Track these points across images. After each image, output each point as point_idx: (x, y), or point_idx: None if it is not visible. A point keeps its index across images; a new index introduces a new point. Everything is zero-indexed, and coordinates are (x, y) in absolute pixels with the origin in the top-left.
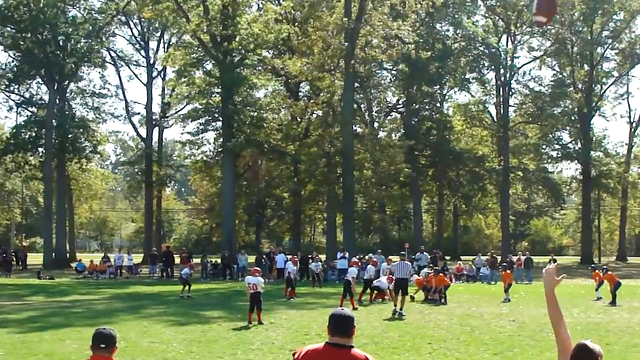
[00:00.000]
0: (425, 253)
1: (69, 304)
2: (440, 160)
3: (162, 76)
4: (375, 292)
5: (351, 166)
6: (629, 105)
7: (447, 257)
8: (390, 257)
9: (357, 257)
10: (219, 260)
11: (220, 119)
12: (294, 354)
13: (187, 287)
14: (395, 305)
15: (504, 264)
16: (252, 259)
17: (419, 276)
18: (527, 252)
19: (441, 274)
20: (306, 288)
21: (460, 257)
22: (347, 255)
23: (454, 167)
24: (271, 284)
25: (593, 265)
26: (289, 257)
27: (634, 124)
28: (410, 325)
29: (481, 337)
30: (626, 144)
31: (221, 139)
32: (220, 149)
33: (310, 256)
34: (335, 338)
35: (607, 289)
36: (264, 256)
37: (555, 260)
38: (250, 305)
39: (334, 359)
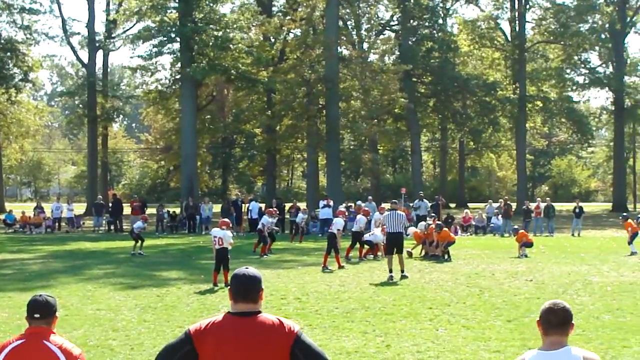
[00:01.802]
0: (425, 200)
1: None
2: (443, 89)
3: None
4: (367, 247)
5: (336, 96)
6: None
7: (452, 205)
8: (383, 205)
9: (344, 205)
10: (177, 210)
11: (178, 39)
12: (187, 332)
13: (139, 243)
14: (390, 270)
15: (515, 227)
16: (218, 208)
17: (416, 229)
18: (548, 199)
19: (445, 229)
20: (282, 243)
21: (468, 204)
22: (331, 203)
23: (459, 97)
24: (241, 238)
25: (625, 214)
26: (264, 206)
27: None
28: (407, 286)
29: (492, 300)
30: None
31: (179, 64)
32: (178, 76)
33: (290, 205)
34: (238, 305)
35: None
36: (231, 204)
37: (581, 208)
38: (216, 264)
39: (241, 331)
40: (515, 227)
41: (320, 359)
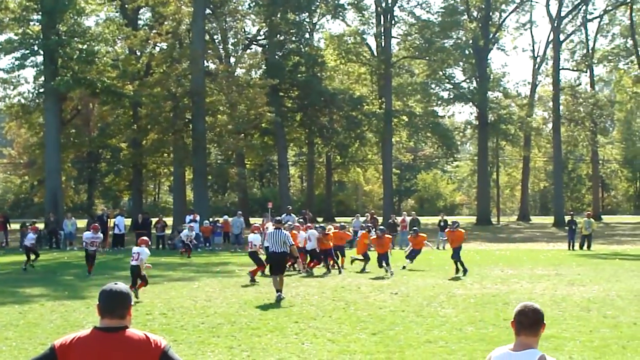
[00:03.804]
0: (292, 215)
1: None
2: (310, 103)
3: None
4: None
5: (202, 110)
6: (532, 36)
7: (319, 219)
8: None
9: (210, 220)
10: (41, 226)
11: (41, 52)
12: (52, 347)
13: (33, 257)
14: (277, 290)
15: (381, 227)
16: (82, 223)
17: None
18: (414, 212)
19: (337, 231)
20: (148, 258)
21: (335, 218)
22: (198, 218)
23: (326, 111)
24: (107, 253)
25: (415, 228)
26: (130, 221)
27: (537, 59)
28: (273, 301)
29: (357, 313)
30: (529, 82)
31: (42, 78)
32: (41, 90)
33: (157, 220)
34: (105, 320)
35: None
36: (96, 219)
37: (446, 222)
38: (132, 280)
39: (106, 346)
40: (382, 227)
41: None
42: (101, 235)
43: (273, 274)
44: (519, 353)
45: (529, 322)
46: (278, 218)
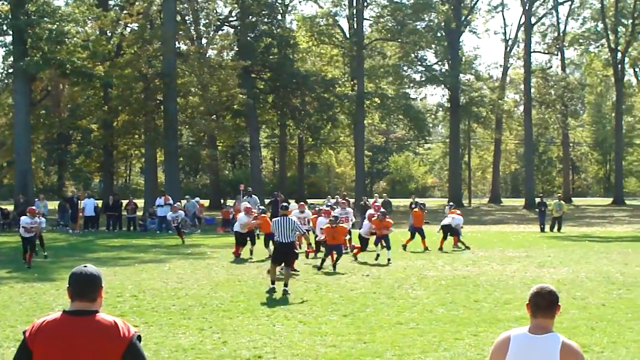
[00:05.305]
0: (253, 196)
1: None
2: (282, 85)
3: None
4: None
5: (174, 91)
6: (504, 19)
7: (291, 201)
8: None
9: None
10: (10, 208)
11: (10, 32)
12: (23, 333)
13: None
14: (272, 282)
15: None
16: (53, 205)
17: None
18: (385, 194)
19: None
20: (119, 240)
21: (307, 200)
22: (170, 200)
23: (298, 93)
24: (77, 235)
25: (383, 210)
26: (100, 203)
27: (509, 42)
28: (245, 283)
29: (329, 295)
30: (501, 65)
31: (11, 58)
32: (10, 70)
33: (127, 202)
34: (75, 303)
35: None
36: (67, 201)
37: (417, 204)
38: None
39: (74, 330)
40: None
41: None
42: (37, 219)
43: (274, 263)
44: (541, 337)
45: (545, 304)
46: (284, 204)
